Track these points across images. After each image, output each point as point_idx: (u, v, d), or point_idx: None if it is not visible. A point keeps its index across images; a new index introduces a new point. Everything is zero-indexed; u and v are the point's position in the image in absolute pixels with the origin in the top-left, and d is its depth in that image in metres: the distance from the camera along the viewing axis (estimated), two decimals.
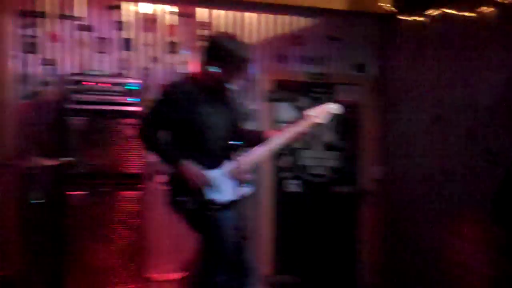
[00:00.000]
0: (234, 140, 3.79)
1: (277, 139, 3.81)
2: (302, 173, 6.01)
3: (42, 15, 5.14)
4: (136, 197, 4.86)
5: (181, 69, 5.48)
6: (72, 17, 5.24)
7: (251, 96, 5.77)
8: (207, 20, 5.65)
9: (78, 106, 4.74)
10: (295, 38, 5.95)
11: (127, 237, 4.82)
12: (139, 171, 4.88)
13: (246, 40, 5.66)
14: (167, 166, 3.71)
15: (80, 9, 5.27)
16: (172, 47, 5.53)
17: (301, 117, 3.84)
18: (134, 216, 4.85)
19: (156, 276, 5.17)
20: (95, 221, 4.74)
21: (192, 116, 3.62)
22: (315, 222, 6.03)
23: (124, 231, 4.82)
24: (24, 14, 5.09)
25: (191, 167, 3.58)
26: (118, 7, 5.37)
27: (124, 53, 5.38)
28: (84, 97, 4.76)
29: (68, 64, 5.21)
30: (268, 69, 5.85)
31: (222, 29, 5.63)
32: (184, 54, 5.53)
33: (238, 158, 3.73)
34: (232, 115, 3.82)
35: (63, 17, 5.21)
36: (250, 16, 5.80)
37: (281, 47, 5.91)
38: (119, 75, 5.23)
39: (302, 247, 5.99)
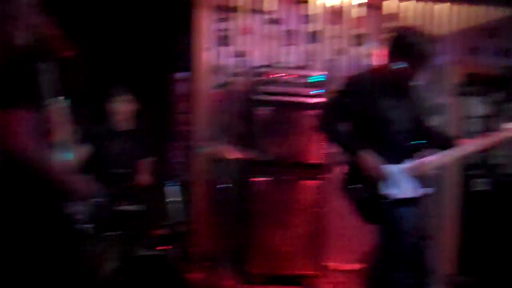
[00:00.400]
0: (418, 138, 3.67)
1: (468, 148, 3.66)
2: (492, 171, 5.68)
3: (235, 9, 5.42)
4: (316, 187, 4.94)
5: (366, 62, 5.46)
6: (262, 11, 5.45)
7: (439, 89, 5.58)
8: (395, 12, 5.56)
9: (265, 97, 4.92)
10: (488, 30, 5.64)
11: (306, 225, 4.92)
12: (320, 161, 4.95)
13: (435, 32, 5.53)
14: (347, 156, 3.74)
15: (270, 4, 5.46)
16: (358, 40, 5.52)
17: (496, 127, 3.67)
18: (314, 205, 4.93)
19: (333, 265, 5.22)
20: (277, 208, 4.90)
21: (374, 108, 3.58)
22: (504, 223, 5.65)
23: (304, 219, 4.92)
24: (218, 9, 5.40)
25: (371, 159, 3.54)
26: (305, 1, 5.49)
27: (310, 46, 5.48)
28: (270, 89, 4.94)
29: (257, 56, 5.43)
30: (459, 61, 5.61)
31: (411, 21, 5.53)
32: (369, 46, 5.51)
33: (421, 157, 3.61)
34: (415, 111, 3.71)
35: (254, 11, 5.44)
36: (441, 8, 5.60)
37: (473, 39, 5.64)
38: (305, 67, 5.34)
39: (487, 248, 5.65)
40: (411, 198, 3.50)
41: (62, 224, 2.65)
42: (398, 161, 3.59)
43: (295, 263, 4.92)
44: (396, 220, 3.54)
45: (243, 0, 5.43)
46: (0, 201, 2.53)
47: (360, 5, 5.53)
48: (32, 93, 2.56)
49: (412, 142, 3.59)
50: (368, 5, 5.54)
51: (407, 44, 3.55)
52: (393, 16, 5.55)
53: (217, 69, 5.39)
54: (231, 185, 5.26)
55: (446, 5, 5.60)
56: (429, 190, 3.66)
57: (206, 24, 5.39)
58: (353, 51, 5.52)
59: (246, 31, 5.41)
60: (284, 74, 4.96)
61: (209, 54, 5.38)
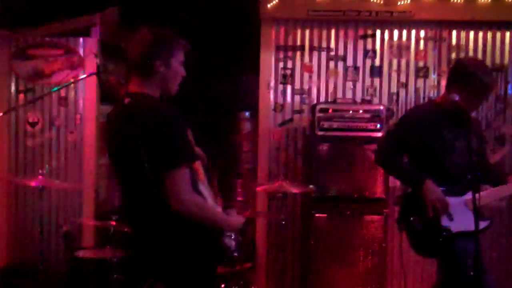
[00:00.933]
0: (477, 170, 3.61)
1: None
2: None
3: (299, 48, 5.54)
4: (380, 222, 4.91)
5: (431, 94, 5.43)
6: (326, 48, 5.54)
7: (506, 117, 5.46)
8: (462, 43, 5.50)
9: (327, 133, 4.97)
10: None
11: (370, 260, 4.89)
12: (383, 196, 4.93)
13: (502, 60, 5.42)
14: (408, 186, 3.73)
15: (333, 41, 5.54)
16: (423, 72, 5.49)
17: None
18: (378, 240, 4.90)
19: None
20: (339, 244, 4.90)
21: (434, 140, 3.60)
22: None
23: (367, 255, 4.89)
24: (283, 47, 5.54)
25: (436, 189, 3.53)
26: (371, 36, 5.53)
27: (374, 80, 5.51)
28: (333, 124, 4.98)
29: (321, 93, 5.52)
30: None
31: (478, 52, 5.45)
32: (434, 79, 5.47)
33: (481, 190, 3.54)
34: (475, 144, 3.65)
35: (317, 48, 5.53)
36: (507, 35, 5.48)
37: None
38: (367, 101, 5.37)
39: None
40: (471, 231, 3.33)
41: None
42: (458, 193, 3.57)
43: None
44: (457, 254, 3.51)
45: (307, 39, 5.54)
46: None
47: (425, 37, 5.50)
48: (190, 148, 2.77)
49: (472, 175, 3.47)
50: (434, 37, 5.51)
51: (466, 74, 3.58)
52: (459, 47, 5.49)
53: (280, 107, 5.51)
54: (293, 221, 5.37)
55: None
56: (487, 224, 3.60)
57: (270, 63, 5.53)
58: (417, 84, 5.49)
59: (309, 69, 5.51)
60: (345, 109, 5.01)
61: (273, 92, 5.52)
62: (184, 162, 2.64)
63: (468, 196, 3.47)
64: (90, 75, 4.60)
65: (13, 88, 5.50)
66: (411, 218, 3.61)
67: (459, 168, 3.60)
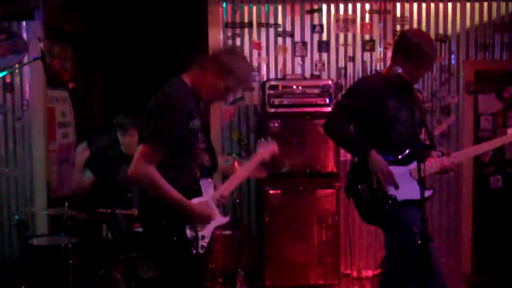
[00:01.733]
0: (421, 140, 3.70)
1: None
2: (506, 168, 5.63)
3: (246, 25, 5.53)
4: (332, 195, 4.98)
5: (378, 67, 5.52)
6: (273, 25, 5.55)
7: (451, 87, 5.60)
8: (406, 15, 5.57)
9: (277, 110, 5.00)
10: (499, 25, 5.59)
11: (324, 234, 4.98)
12: (335, 170, 5.00)
13: (447, 30, 5.53)
14: (354, 156, 3.81)
15: (280, 16, 5.55)
16: (369, 45, 5.56)
17: None
18: (331, 214, 4.98)
19: (352, 272, 5.27)
20: (293, 218, 4.97)
21: (380, 109, 3.66)
22: None
23: (321, 228, 4.98)
24: (231, 25, 5.52)
25: (379, 159, 3.60)
26: (318, 11, 5.55)
27: (322, 55, 5.55)
28: (282, 101, 5.01)
29: (270, 70, 5.54)
30: (470, 59, 5.59)
31: (422, 23, 5.54)
32: (380, 51, 5.54)
33: (426, 160, 3.62)
34: (418, 116, 3.70)
35: (265, 25, 5.53)
36: (453, 6, 5.58)
37: (484, 35, 5.60)
38: (316, 77, 5.42)
39: (503, 246, 5.61)
40: (416, 200, 3.47)
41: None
42: (403, 163, 3.65)
43: (313, 273, 4.97)
44: (403, 223, 3.60)
45: (254, 15, 5.53)
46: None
47: (370, 10, 5.56)
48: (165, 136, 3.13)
49: (417, 142, 3.59)
50: (379, 10, 5.58)
51: (408, 45, 3.67)
52: (403, 19, 5.57)
53: None
54: (247, 198, 5.42)
55: (458, 3, 5.57)
56: (430, 193, 3.68)
57: (219, 41, 5.50)
58: (364, 57, 5.56)
59: (257, 46, 5.52)
60: (294, 86, 5.04)
61: None
62: (153, 142, 3.00)
63: (413, 165, 3.56)
64: (34, 59, 4.48)
65: None
66: (359, 187, 3.69)
67: (403, 138, 3.68)
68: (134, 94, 5.65)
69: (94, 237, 4.64)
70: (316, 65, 5.54)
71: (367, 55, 5.56)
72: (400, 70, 3.50)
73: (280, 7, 5.53)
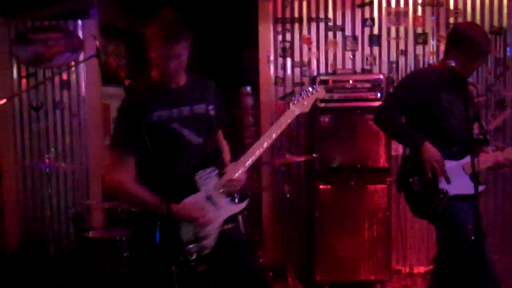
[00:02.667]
0: (473, 135, 3.59)
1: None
2: None
3: (297, 20, 5.53)
4: (383, 191, 4.95)
5: (431, 61, 5.44)
6: (324, 19, 5.53)
7: (506, 81, 5.47)
8: (459, 7, 5.47)
9: (327, 105, 4.99)
10: None
11: (375, 229, 4.95)
12: (386, 165, 4.96)
13: (501, 22, 5.41)
14: (406, 147, 3.76)
15: (330, 11, 5.53)
16: (422, 38, 5.48)
17: None
18: (382, 209, 4.95)
19: (404, 268, 5.22)
20: (343, 214, 4.96)
21: (433, 101, 3.61)
22: None
23: (371, 223, 4.95)
24: (281, 20, 5.54)
25: (434, 150, 3.54)
26: (369, 4, 5.51)
27: (374, 49, 5.50)
28: (333, 95, 5.00)
29: (321, 64, 5.51)
30: None
31: (476, 14, 5.43)
32: (433, 44, 5.46)
33: (479, 154, 3.56)
34: (471, 110, 3.58)
35: (315, 19, 5.52)
36: None
37: None
38: (367, 71, 5.38)
39: None
40: (469, 194, 3.38)
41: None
42: (456, 156, 3.59)
43: (364, 268, 4.95)
44: (454, 218, 3.55)
45: (304, 10, 5.53)
46: None
47: (423, 3, 5.48)
48: (118, 137, 3.07)
49: (471, 136, 3.45)
50: (432, 2, 5.48)
51: (462, 38, 3.61)
52: (457, 12, 5.47)
53: (281, 80, 5.53)
54: (297, 193, 5.43)
55: None
56: (483, 188, 3.56)
57: (269, 36, 5.52)
58: (416, 50, 5.48)
59: (308, 40, 5.51)
60: (345, 80, 5.02)
61: (273, 66, 5.53)
62: (111, 148, 2.96)
63: (466, 160, 3.51)
64: (90, 57, 4.59)
65: (15, 73, 5.53)
66: (410, 180, 3.64)
67: (456, 132, 3.62)
68: None
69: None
70: (367, 59, 5.49)
71: (419, 48, 5.47)
72: (453, 64, 3.44)
73: (330, 1, 5.50)
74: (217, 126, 3.22)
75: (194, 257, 2.91)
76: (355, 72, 5.27)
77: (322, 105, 4.98)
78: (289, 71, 5.53)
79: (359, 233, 4.96)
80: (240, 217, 4.09)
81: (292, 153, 5.07)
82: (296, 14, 5.53)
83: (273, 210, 5.53)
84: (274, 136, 3.18)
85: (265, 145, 3.15)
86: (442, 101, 3.61)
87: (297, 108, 3.30)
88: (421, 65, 5.44)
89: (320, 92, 3.44)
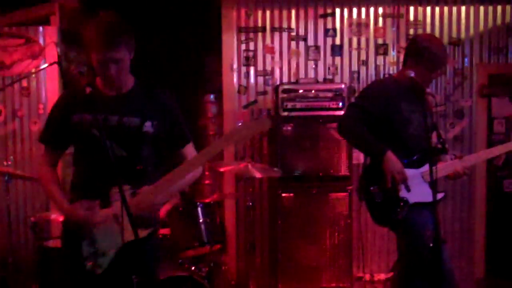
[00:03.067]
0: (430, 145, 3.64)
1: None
2: None
3: (260, 29, 5.57)
4: (345, 199, 5.00)
5: (391, 71, 5.53)
6: (286, 29, 5.58)
7: (464, 91, 5.60)
8: (419, 19, 5.58)
9: (290, 113, 5.03)
10: None
11: (336, 237, 4.99)
12: (348, 173, 5.01)
13: (460, 34, 5.53)
14: (369, 156, 3.79)
15: (293, 21, 5.58)
16: (382, 49, 5.57)
17: None
18: (343, 217, 4.99)
19: (365, 275, 5.28)
20: (305, 222, 4.98)
21: (393, 111, 3.67)
22: None
23: (333, 231, 4.99)
24: (244, 29, 5.57)
25: (396, 160, 3.58)
26: (331, 15, 5.57)
27: (335, 59, 5.57)
28: (295, 104, 5.04)
29: (283, 74, 5.57)
30: (483, 62, 5.59)
31: (435, 27, 5.55)
32: (393, 55, 5.56)
33: (438, 163, 3.56)
34: (429, 120, 3.69)
35: (278, 29, 5.57)
36: (466, 9, 5.60)
37: (497, 38, 5.60)
38: (329, 80, 5.44)
39: None
40: (428, 202, 3.49)
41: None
42: (415, 165, 3.65)
43: (326, 276, 4.98)
44: (413, 225, 3.60)
45: (268, 19, 5.57)
46: None
47: (384, 14, 5.58)
48: (44, 130, 3.04)
49: (428, 147, 3.54)
50: (392, 14, 5.59)
51: (420, 49, 3.68)
52: (417, 23, 5.59)
53: (244, 89, 5.55)
54: (260, 201, 5.44)
55: (471, 7, 5.58)
56: (441, 196, 3.66)
57: (232, 45, 5.55)
58: (377, 61, 5.57)
59: (270, 50, 5.55)
60: (307, 89, 5.06)
61: (236, 74, 5.55)
62: (38, 141, 2.97)
63: (424, 168, 3.56)
64: (51, 64, 4.56)
65: None
66: (371, 189, 3.68)
67: (415, 141, 3.67)
68: None
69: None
70: (329, 69, 5.57)
71: (380, 59, 5.58)
72: (412, 74, 3.51)
73: (293, 12, 5.57)
74: (171, 144, 2.97)
75: (92, 271, 2.74)
76: (317, 82, 5.32)
77: (285, 114, 5.02)
78: (252, 79, 5.57)
79: (321, 241, 4.99)
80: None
81: (255, 161, 5.08)
82: (260, 24, 5.57)
83: (236, 218, 5.54)
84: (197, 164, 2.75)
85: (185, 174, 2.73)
86: (403, 111, 3.67)
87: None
88: (381, 75, 5.55)
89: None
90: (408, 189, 3.61)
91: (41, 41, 5.38)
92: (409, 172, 3.61)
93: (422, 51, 3.65)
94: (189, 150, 3.00)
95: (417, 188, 3.60)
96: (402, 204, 3.60)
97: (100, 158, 2.72)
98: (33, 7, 5.38)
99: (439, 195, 3.58)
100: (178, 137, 2.98)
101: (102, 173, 2.77)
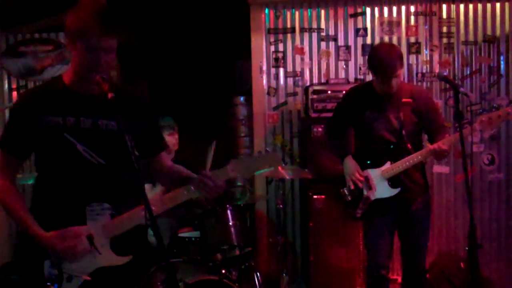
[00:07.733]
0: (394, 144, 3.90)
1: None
2: None
3: (289, 30, 5.52)
4: None
5: (423, 70, 5.43)
6: (316, 29, 5.52)
7: (500, 89, 5.45)
8: (452, 16, 5.46)
9: (320, 114, 4.98)
10: None
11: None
12: None
13: (495, 31, 5.41)
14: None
15: (323, 21, 5.51)
16: (415, 47, 5.46)
17: None
18: None
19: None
20: (337, 224, 4.91)
21: (357, 118, 3.98)
22: None
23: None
24: (274, 31, 5.52)
25: (351, 164, 3.96)
26: (361, 14, 5.49)
27: (366, 58, 5.45)
28: (325, 105, 4.98)
29: (313, 74, 5.50)
30: None
31: (469, 24, 5.42)
32: (426, 53, 5.44)
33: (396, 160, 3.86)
34: (395, 121, 3.89)
35: (308, 30, 5.51)
36: (497, 6, 5.44)
37: None
38: (360, 81, 5.35)
39: None
40: (389, 197, 3.88)
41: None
42: (378, 164, 3.93)
43: (358, 278, 4.90)
44: (374, 219, 3.96)
45: (297, 20, 5.51)
46: None
47: (415, 12, 5.46)
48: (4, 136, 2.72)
49: (388, 148, 3.90)
50: (424, 12, 5.46)
51: (368, 58, 3.97)
52: (450, 21, 5.46)
53: (274, 91, 5.51)
54: (291, 203, 5.40)
55: (506, 3, 5.41)
56: (398, 190, 3.89)
57: (262, 47, 5.50)
58: (410, 60, 5.46)
59: (300, 51, 5.49)
60: (340, 90, 4.99)
61: (266, 76, 5.50)
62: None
63: (385, 166, 3.90)
64: None
65: (5, 86, 5.51)
66: (341, 190, 4.06)
67: (377, 143, 3.93)
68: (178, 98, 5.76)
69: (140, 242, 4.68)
70: (360, 69, 5.48)
71: (412, 58, 5.46)
72: (373, 82, 3.93)
73: (323, 12, 5.50)
74: (150, 151, 2.80)
75: None
76: (348, 82, 5.25)
77: (315, 115, 4.98)
78: (282, 81, 5.52)
79: (353, 243, 4.92)
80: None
81: (286, 163, 5.03)
82: (288, 25, 5.52)
83: (267, 220, 5.50)
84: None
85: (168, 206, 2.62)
86: (365, 118, 3.93)
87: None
88: (414, 74, 5.44)
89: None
90: (369, 188, 3.90)
91: None
92: (373, 172, 3.92)
93: (369, 61, 3.94)
94: (164, 157, 2.86)
95: (378, 186, 3.89)
96: (364, 201, 3.92)
97: (74, 166, 2.49)
98: (62, 13, 5.42)
99: (395, 190, 3.88)
100: (155, 144, 2.82)
101: (76, 185, 2.50)
